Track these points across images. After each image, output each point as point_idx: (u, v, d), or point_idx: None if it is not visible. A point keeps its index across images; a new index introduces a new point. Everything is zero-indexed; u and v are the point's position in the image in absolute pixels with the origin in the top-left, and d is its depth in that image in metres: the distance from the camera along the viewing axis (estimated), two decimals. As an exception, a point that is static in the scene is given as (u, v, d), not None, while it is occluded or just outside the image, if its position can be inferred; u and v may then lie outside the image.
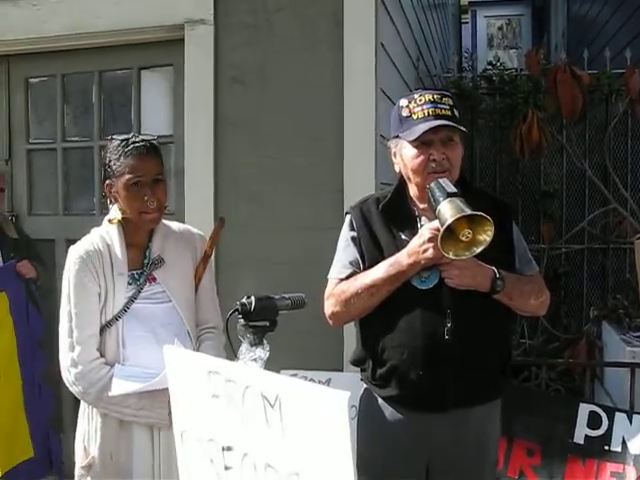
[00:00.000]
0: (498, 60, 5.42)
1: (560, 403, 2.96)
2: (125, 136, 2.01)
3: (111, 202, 2.06)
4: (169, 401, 1.88)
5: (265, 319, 1.65)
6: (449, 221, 1.69)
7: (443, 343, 1.86)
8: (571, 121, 4.59)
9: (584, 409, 2.72)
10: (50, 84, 3.54)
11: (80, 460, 2.01)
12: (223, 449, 1.33)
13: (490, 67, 5.38)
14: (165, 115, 3.36)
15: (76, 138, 3.57)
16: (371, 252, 1.96)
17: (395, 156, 2.01)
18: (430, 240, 1.80)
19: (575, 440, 2.69)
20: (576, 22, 9.29)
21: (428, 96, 1.92)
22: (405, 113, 1.93)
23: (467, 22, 11.12)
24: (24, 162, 3.60)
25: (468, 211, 1.69)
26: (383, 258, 1.91)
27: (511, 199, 4.84)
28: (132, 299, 1.98)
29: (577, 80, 4.25)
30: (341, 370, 2.79)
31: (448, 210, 1.71)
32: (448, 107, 1.91)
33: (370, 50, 2.93)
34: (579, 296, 5.17)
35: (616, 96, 4.80)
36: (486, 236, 1.72)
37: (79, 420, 2.05)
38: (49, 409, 3.14)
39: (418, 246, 1.83)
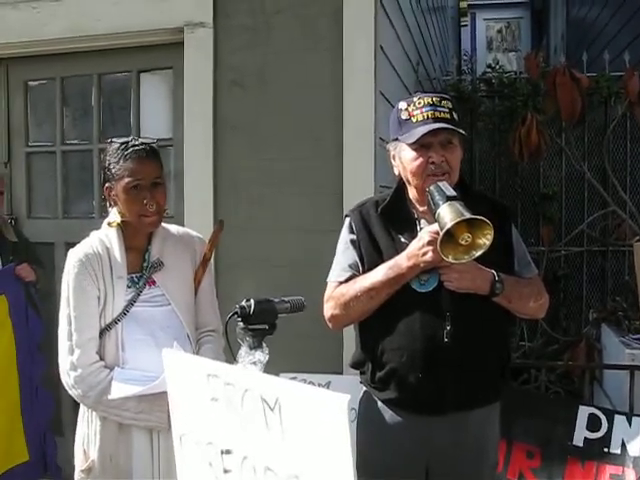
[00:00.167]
0: (497, 63, 5.44)
1: (559, 405, 2.96)
2: (124, 139, 2.01)
3: (110, 205, 2.06)
4: (168, 404, 1.89)
5: (264, 322, 1.65)
6: (449, 225, 1.69)
7: (442, 346, 1.86)
8: (570, 124, 4.59)
9: (583, 411, 2.72)
10: (49, 87, 3.55)
11: (80, 463, 2.01)
12: (222, 452, 1.33)
13: (489, 70, 5.40)
14: (164, 118, 3.37)
15: (75, 141, 3.57)
16: (370, 255, 1.96)
17: (394, 159, 2.01)
18: (429, 243, 1.80)
19: (574, 442, 2.69)
20: (575, 25, 9.30)
21: (427, 99, 1.92)
22: (404, 116, 1.93)
23: (466, 25, 11.13)
24: (23, 165, 3.60)
25: (468, 215, 1.69)
26: (382, 261, 1.91)
27: (510, 202, 4.85)
28: (131, 302, 1.98)
29: (576, 83, 4.26)
30: (341, 373, 2.78)
31: (448, 214, 1.71)
32: (447, 110, 1.92)
33: (369, 53, 2.94)
34: (578, 299, 5.17)
35: (615, 99, 4.82)
36: (485, 240, 1.72)
37: (78, 423, 2.05)
38: (47, 412, 3.14)
39: (417, 249, 1.83)
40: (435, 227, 1.78)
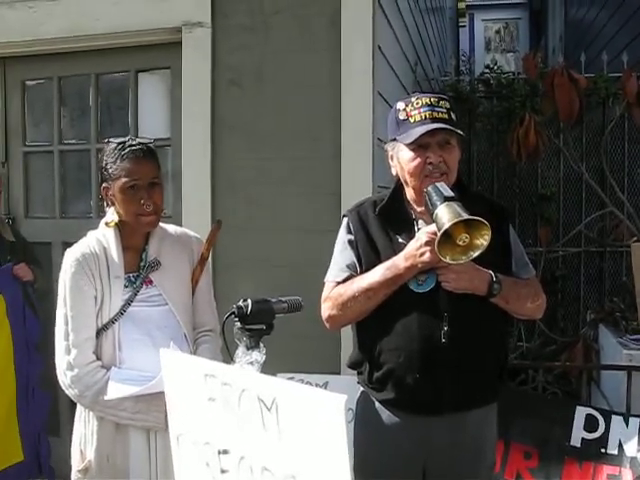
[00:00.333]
0: (495, 63, 5.44)
1: (557, 406, 2.96)
2: (122, 139, 2.01)
3: (107, 205, 2.06)
4: (165, 404, 1.88)
5: (262, 322, 1.65)
6: (446, 225, 1.69)
7: (440, 346, 1.86)
8: (568, 124, 4.59)
9: (581, 412, 2.72)
10: (47, 87, 3.54)
11: (77, 463, 2.00)
12: (219, 452, 1.33)
13: (487, 70, 5.40)
14: (162, 118, 3.36)
15: (73, 141, 3.57)
16: (368, 255, 1.96)
17: (392, 159, 2.01)
18: (427, 244, 1.80)
19: (572, 443, 2.69)
20: (573, 26, 9.31)
21: (425, 99, 1.92)
22: (402, 116, 1.93)
23: (465, 25, 11.15)
24: (21, 165, 3.59)
25: (465, 216, 1.69)
26: (380, 261, 1.91)
27: (508, 202, 4.85)
28: (128, 302, 1.98)
29: (574, 84, 4.26)
30: (338, 373, 2.78)
31: (445, 214, 1.71)
32: (445, 110, 1.92)
33: (367, 53, 2.93)
34: (576, 299, 5.18)
35: (613, 100, 4.82)
36: (483, 240, 1.72)
37: (75, 423, 2.04)
38: (42, 412, 3.13)
39: (415, 249, 1.83)
40: (433, 228, 1.78)
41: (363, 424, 2.04)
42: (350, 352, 2.11)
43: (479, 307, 1.87)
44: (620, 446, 2.62)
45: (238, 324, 1.64)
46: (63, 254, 2.04)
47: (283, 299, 1.72)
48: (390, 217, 1.98)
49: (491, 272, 1.86)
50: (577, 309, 5.14)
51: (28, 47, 3.38)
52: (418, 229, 1.93)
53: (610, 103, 4.88)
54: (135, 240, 2.06)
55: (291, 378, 2.71)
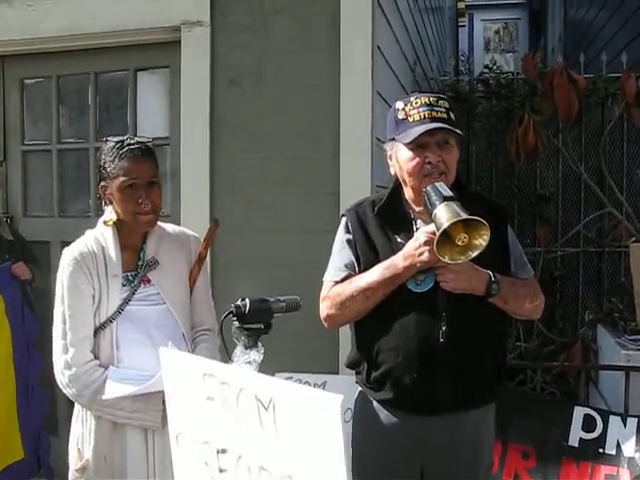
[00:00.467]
0: (495, 63, 5.44)
1: (555, 406, 2.96)
2: (120, 138, 2.01)
3: (105, 204, 2.05)
4: (163, 403, 1.88)
5: (260, 322, 1.64)
6: (445, 225, 1.69)
7: (438, 346, 1.86)
8: (567, 125, 4.60)
9: (579, 412, 2.73)
10: (45, 85, 3.54)
11: (74, 463, 2.00)
12: (218, 452, 1.33)
13: (487, 70, 5.40)
14: (161, 117, 3.36)
15: (71, 140, 3.57)
16: (366, 255, 1.95)
17: (391, 159, 2.01)
18: (426, 243, 1.80)
19: (570, 443, 2.69)
20: (573, 26, 9.31)
21: (424, 99, 1.92)
22: (401, 115, 1.93)
23: (464, 25, 11.16)
24: (19, 163, 3.59)
25: (464, 215, 1.69)
26: (378, 261, 1.91)
27: (507, 202, 4.85)
28: (126, 301, 1.98)
29: (573, 84, 4.26)
30: (337, 373, 2.78)
31: (444, 214, 1.71)
32: (444, 110, 1.91)
33: (367, 53, 2.93)
34: (574, 299, 5.18)
35: (612, 100, 4.82)
36: (482, 240, 1.72)
37: (73, 422, 2.04)
38: (42, 410, 3.14)
39: (414, 249, 1.83)
40: (431, 227, 1.78)
41: (361, 424, 2.04)
42: (348, 352, 2.11)
43: (477, 307, 1.87)
44: (618, 446, 2.63)
45: (236, 323, 1.64)
46: (61, 253, 2.04)
47: (281, 298, 1.72)
48: (389, 217, 1.98)
49: (490, 272, 1.86)
50: (575, 309, 5.14)
51: (27, 45, 3.38)
52: (417, 229, 1.92)
53: (609, 103, 4.88)
54: (133, 239, 2.05)
55: (289, 378, 2.71)
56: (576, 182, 5.07)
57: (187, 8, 3.11)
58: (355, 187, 2.83)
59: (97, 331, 1.96)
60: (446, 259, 1.74)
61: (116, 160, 1.97)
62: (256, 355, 1.57)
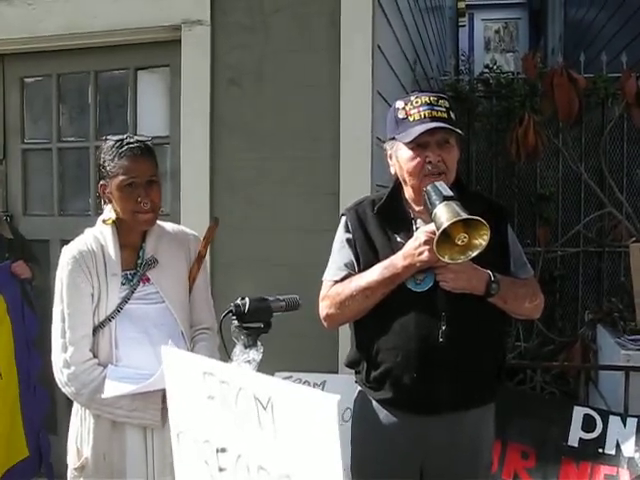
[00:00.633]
0: (495, 63, 5.44)
1: (554, 406, 2.96)
2: (119, 137, 2.01)
3: (105, 203, 2.05)
4: (162, 402, 1.88)
5: (259, 321, 1.64)
6: (445, 225, 1.68)
7: (437, 346, 1.86)
8: (567, 124, 4.59)
9: (578, 412, 2.73)
10: (45, 84, 3.53)
11: (73, 461, 2.00)
12: (217, 451, 1.33)
13: (487, 70, 5.40)
14: (161, 116, 3.36)
15: (72, 138, 3.56)
16: (366, 254, 1.95)
17: (391, 158, 2.01)
18: (426, 243, 1.80)
19: (569, 443, 2.69)
20: (573, 26, 9.31)
21: (424, 98, 1.92)
22: (401, 115, 1.93)
23: (464, 25, 11.15)
24: (19, 162, 3.59)
25: (464, 215, 1.69)
26: (378, 260, 1.91)
27: (507, 202, 4.85)
28: (125, 300, 1.98)
29: (573, 84, 4.26)
30: (336, 372, 2.78)
31: (444, 214, 1.71)
32: (444, 109, 1.91)
33: (367, 52, 2.93)
34: (574, 299, 5.18)
35: (612, 100, 4.82)
36: (482, 240, 1.71)
37: (72, 421, 2.04)
38: (42, 409, 3.14)
39: (413, 249, 1.83)
40: (431, 227, 1.78)
41: (360, 423, 2.04)
42: (348, 351, 2.11)
43: (477, 307, 1.86)
44: (617, 446, 2.63)
45: (236, 322, 1.64)
46: (61, 251, 2.04)
47: (281, 298, 1.72)
48: (388, 216, 1.98)
49: (489, 272, 1.86)
50: (575, 309, 5.13)
51: (27, 44, 3.38)
52: (416, 228, 1.92)
53: (609, 103, 4.88)
54: (132, 238, 2.05)
55: (289, 377, 2.71)
56: (576, 182, 5.07)
57: (187, 7, 3.11)
58: (355, 187, 2.82)
59: (96, 330, 1.96)
60: (446, 259, 1.73)
61: (115, 159, 1.96)
62: (255, 354, 1.57)
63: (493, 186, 5.23)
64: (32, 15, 3.30)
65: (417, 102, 1.91)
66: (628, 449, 2.60)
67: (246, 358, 1.56)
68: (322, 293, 2.01)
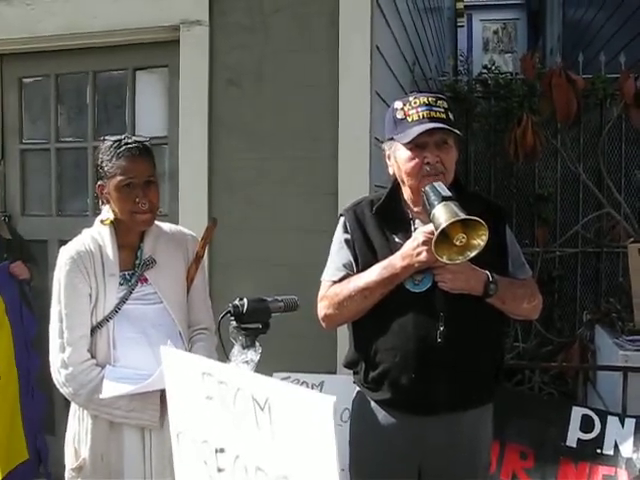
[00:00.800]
0: (493, 64, 5.44)
1: (553, 406, 2.96)
2: (117, 137, 2.01)
3: (103, 203, 2.05)
4: (160, 403, 1.88)
5: (257, 321, 1.65)
6: (443, 225, 1.69)
7: (435, 346, 1.86)
8: (566, 125, 4.60)
9: (577, 412, 2.73)
10: (44, 84, 3.53)
11: (70, 462, 2.00)
12: (216, 451, 1.33)
13: (485, 71, 5.40)
14: (160, 116, 3.36)
15: (70, 139, 3.56)
16: (364, 255, 1.95)
17: (389, 158, 2.01)
18: (424, 243, 1.80)
19: (567, 443, 2.69)
20: (571, 27, 9.32)
21: (423, 99, 1.92)
22: (400, 115, 1.93)
23: (463, 26, 11.16)
24: (17, 162, 3.58)
25: (463, 215, 1.69)
26: (376, 261, 1.91)
27: (505, 202, 4.86)
28: (123, 300, 1.97)
29: (572, 84, 4.26)
30: (334, 373, 2.78)
31: (443, 214, 1.71)
32: (443, 110, 1.91)
33: (366, 53, 2.93)
34: (572, 300, 5.18)
35: (610, 100, 4.83)
36: (480, 241, 1.72)
37: (69, 422, 2.04)
38: (40, 410, 3.13)
39: (412, 249, 1.83)
40: (430, 227, 1.78)
41: (359, 424, 2.04)
42: (346, 351, 2.11)
43: (475, 307, 1.87)
44: (616, 447, 2.63)
45: (234, 323, 1.64)
46: (59, 252, 2.04)
47: (279, 298, 1.72)
48: (387, 216, 1.98)
49: (487, 272, 1.86)
50: (574, 310, 5.14)
51: (25, 44, 3.37)
52: (415, 229, 1.92)
53: (608, 104, 4.88)
54: (130, 238, 2.05)
55: (287, 377, 2.71)
56: (574, 182, 5.07)
57: (186, 7, 3.11)
58: (354, 187, 2.82)
59: (94, 330, 1.96)
60: (444, 259, 1.73)
61: (113, 159, 1.96)
62: (253, 355, 1.57)
63: (491, 186, 5.23)
64: (31, 15, 3.30)
65: (416, 103, 1.91)
66: (626, 449, 2.61)
67: (244, 359, 1.56)
68: (320, 293, 2.01)
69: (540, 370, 3.95)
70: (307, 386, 2.71)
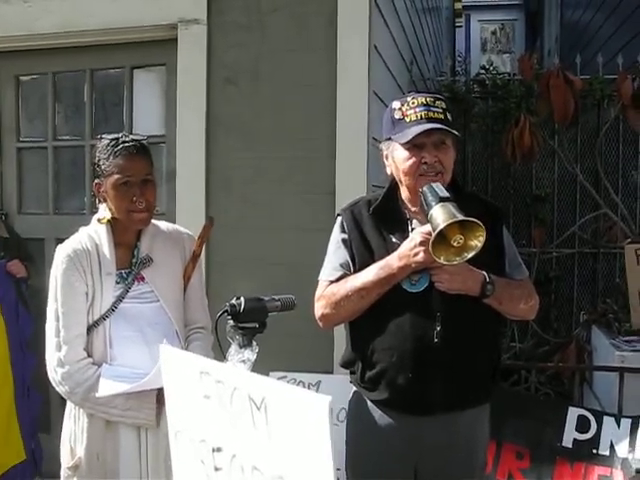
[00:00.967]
0: (491, 64, 5.45)
1: (549, 407, 2.97)
2: (115, 136, 2.00)
3: (100, 201, 2.05)
4: (157, 402, 1.88)
5: (254, 320, 1.65)
6: (441, 226, 1.68)
7: (432, 346, 1.86)
8: (563, 126, 4.60)
9: (573, 413, 2.73)
10: (41, 82, 3.52)
11: (66, 461, 1.99)
12: (213, 450, 1.33)
13: (483, 71, 5.41)
14: (157, 115, 3.35)
15: (67, 137, 3.55)
16: (361, 255, 1.95)
17: (387, 158, 2.01)
18: (421, 244, 1.80)
19: (564, 444, 2.70)
20: (569, 28, 9.34)
21: (421, 99, 1.92)
22: (398, 115, 1.93)
23: (461, 26, 11.17)
24: (14, 160, 3.57)
25: (460, 217, 1.69)
26: (373, 261, 1.91)
27: (503, 203, 4.86)
28: (120, 298, 1.97)
29: (569, 85, 4.27)
30: (331, 372, 2.78)
31: (440, 215, 1.71)
32: (441, 110, 1.91)
33: (363, 52, 2.93)
34: (569, 300, 5.19)
35: (608, 101, 4.84)
36: (477, 242, 1.72)
37: (65, 420, 2.03)
38: (36, 410, 3.12)
39: (409, 250, 1.83)
40: (427, 228, 1.78)
41: (355, 423, 2.04)
42: (343, 351, 2.11)
43: (472, 307, 1.87)
44: (611, 447, 2.63)
45: (231, 322, 1.64)
46: (56, 250, 2.03)
47: (276, 297, 1.72)
48: (384, 216, 1.98)
49: (484, 273, 1.86)
50: (570, 310, 5.15)
51: (23, 42, 3.36)
52: (412, 229, 1.92)
53: (605, 105, 4.89)
54: (127, 237, 2.05)
55: (283, 377, 2.71)
56: (572, 183, 5.08)
57: (184, 6, 3.10)
58: (351, 187, 2.82)
59: (90, 329, 1.96)
60: (441, 260, 1.73)
61: (111, 158, 1.96)
62: (250, 354, 1.57)
63: (489, 187, 5.24)
64: (28, 13, 3.29)
65: (414, 103, 1.91)
66: (622, 450, 2.61)
67: (241, 358, 1.56)
68: (317, 293, 2.00)
69: (537, 370, 3.96)
70: (304, 386, 2.71)
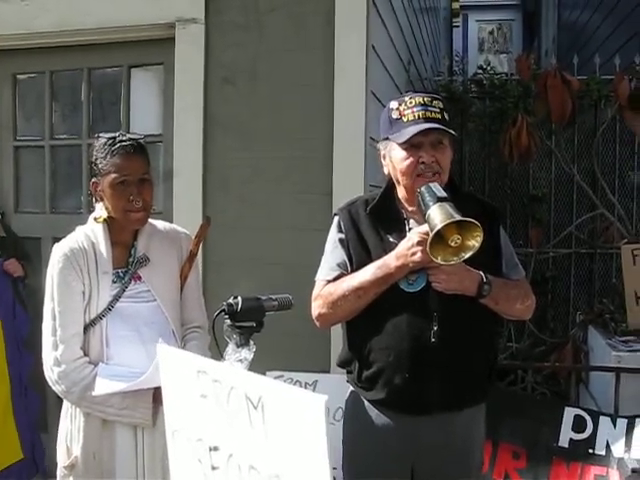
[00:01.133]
0: (489, 64, 5.47)
1: (545, 407, 2.98)
2: (112, 135, 2.00)
3: (97, 200, 2.05)
4: (153, 401, 1.88)
5: (251, 320, 1.65)
6: (438, 226, 1.69)
7: (429, 346, 1.86)
8: (560, 126, 4.61)
9: (569, 413, 2.74)
10: (38, 81, 3.52)
11: (63, 460, 1.99)
12: (210, 449, 1.33)
13: (480, 71, 5.43)
14: (155, 114, 3.35)
15: (64, 136, 3.55)
16: (359, 254, 1.95)
17: (384, 158, 2.01)
18: (419, 244, 1.80)
19: (560, 444, 2.70)
20: (566, 28, 9.35)
21: (418, 99, 1.92)
22: (395, 115, 1.93)
23: (458, 26, 11.17)
24: (11, 159, 3.57)
25: (458, 217, 1.69)
26: (371, 260, 1.91)
27: (500, 203, 4.87)
28: (116, 298, 1.97)
29: (567, 85, 4.27)
30: (328, 372, 2.78)
31: (438, 215, 1.71)
32: (438, 110, 1.91)
33: (361, 52, 2.93)
34: (566, 300, 5.20)
35: (605, 102, 4.85)
36: (475, 242, 1.72)
37: (62, 419, 2.03)
38: (34, 409, 3.12)
39: (406, 249, 1.83)
40: (425, 228, 1.78)
41: (352, 423, 2.04)
42: (340, 351, 2.11)
43: (469, 307, 1.87)
44: (608, 447, 2.64)
45: (228, 321, 1.64)
46: (52, 249, 2.03)
47: (273, 297, 1.72)
48: (381, 216, 1.98)
49: (481, 273, 1.86)
50: (567, 310, 5.16)
51: (20, 41, 3.36)
52: (409, 229, 1.93)
53: (602, 105, 4.90)
54: (124, 236, 2.05)
55: (280, 376, 2.71)
56: (569, 183, 5.09)
57: (182, 5, 3.10)
58: (348, 186, 2.82)
59: (87, 328, 1.95)
60: (439, 260, 1.74)
61: (108, 157, 1.96)
62: (247, 353, 1.57)
63: (486, 187, 5.25)
64: (26, 11, 3.28)
65: (411, 103, 1.91)
66: (618, 450, 2.62)
67: (238, 357, 1.56)
68: (315, 293, 2.00)
69: (533, 370, 3.96)
70: (300, 385, 2.72)
